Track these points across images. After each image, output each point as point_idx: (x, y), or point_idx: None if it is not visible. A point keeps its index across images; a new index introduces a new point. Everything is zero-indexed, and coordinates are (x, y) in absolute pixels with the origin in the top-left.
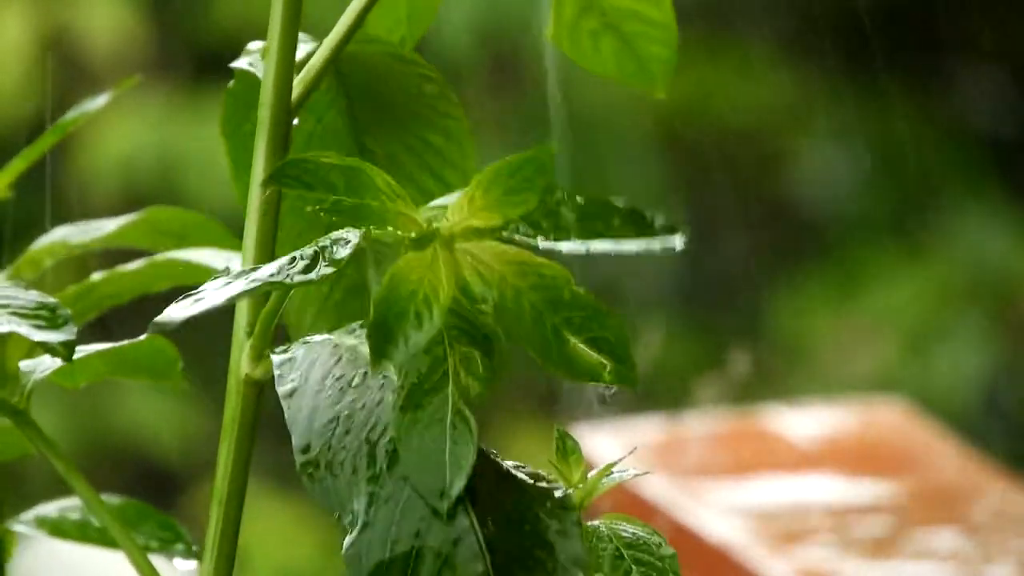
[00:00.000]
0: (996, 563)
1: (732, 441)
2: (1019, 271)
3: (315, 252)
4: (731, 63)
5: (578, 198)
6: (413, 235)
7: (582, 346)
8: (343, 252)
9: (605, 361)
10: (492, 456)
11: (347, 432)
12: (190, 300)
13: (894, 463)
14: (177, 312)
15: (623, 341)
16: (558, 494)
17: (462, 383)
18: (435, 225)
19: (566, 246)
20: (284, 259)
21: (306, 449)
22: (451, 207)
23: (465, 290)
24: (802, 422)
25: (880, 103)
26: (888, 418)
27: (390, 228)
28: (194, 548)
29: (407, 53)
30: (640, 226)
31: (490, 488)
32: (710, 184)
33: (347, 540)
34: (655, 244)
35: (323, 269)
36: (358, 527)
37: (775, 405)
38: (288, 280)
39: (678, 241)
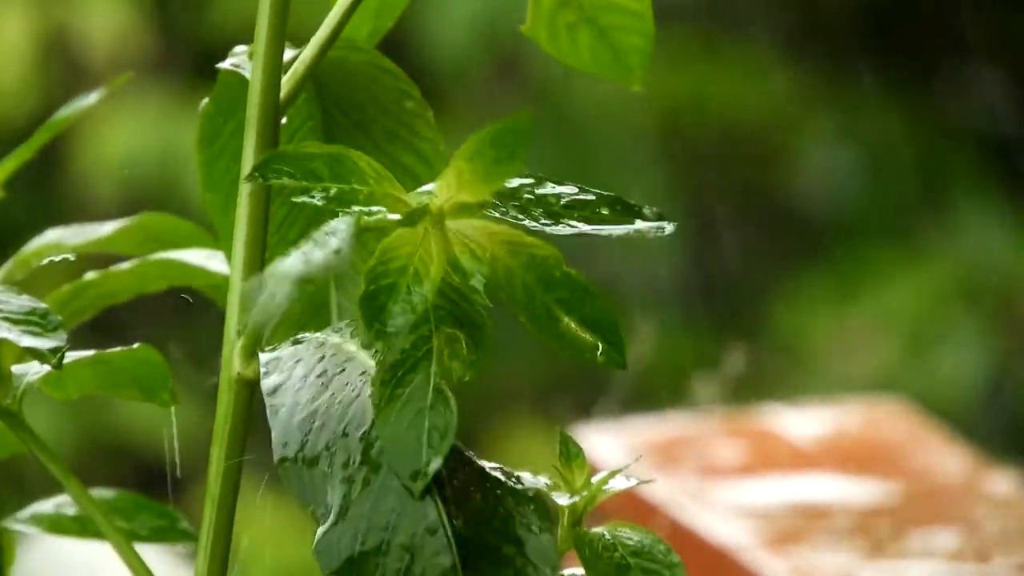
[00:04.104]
0: (996, 563)
1: (732, 441)
2: (1019, 271)
3: (312, 245)
4: (731, 62)
5: (564, 189)
6: (402, 213)
7: (574, 325)
8: (336, 243)
9: (597, 341)
10: (465, 452)
11: (324, 426)
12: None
13: (894, 463)
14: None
15: (613, 322)
16: (530, 492)
17: (445, 364)
18: (424, 202)
19: (557, 228)
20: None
21: (284, 443)
22: (439, 184)
23: (456, 266)
24: (802, 422)
25: (880, 103)
26: (888, 418)
27: (378, 208)
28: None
29: (390, 65)
30: (628, 213)
31: (461, 482)
32: (710, 184)
33: (318, 533)
34: (644, 227)
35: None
36: (330, 520)
37: (775, 405)
38: (312, 272)
39: (668, 227)
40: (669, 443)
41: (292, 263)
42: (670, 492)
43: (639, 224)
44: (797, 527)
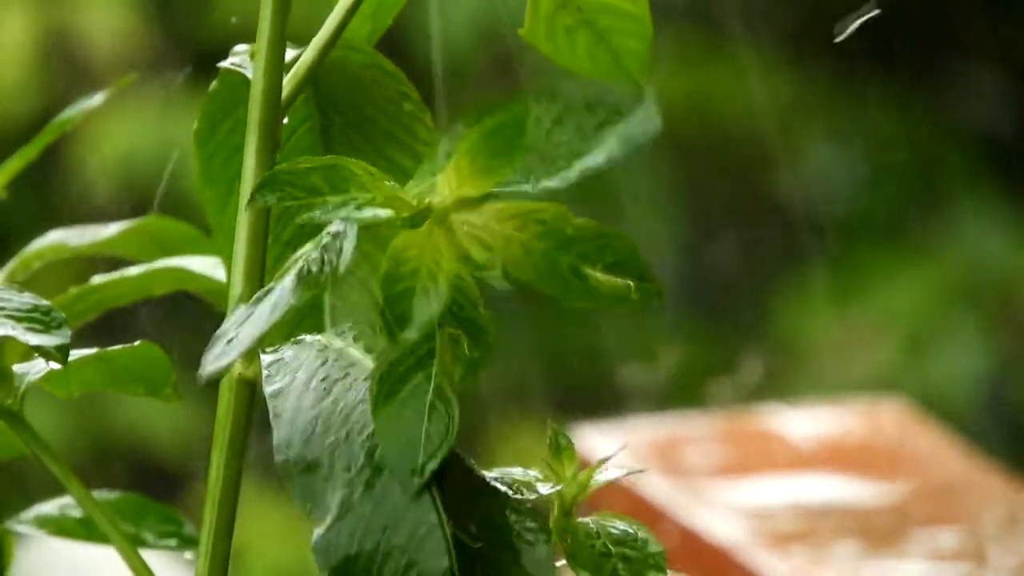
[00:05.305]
0: (997, 563)
1: (732, 441)
2: (1019, 271)
3: (320, 253)
4: (731, 63)
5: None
6: (406, 215)
7: (601, 276)
8: (348, 246)
9: (628, 282)
10: (466, 460)
11: (327, 429)
12: (223, 345)
13: (895, 463)
14: (216, 361)
15: (638, 260)
16: (528, 503)
17: (447, 363)
18: (427, 201)
19: (558, 179)
20: (292, 268)
21: (287, 447)
22: (439, 182)
23: (467, 260)
24: (802, 422)
25: (880, 103)
26: (889, 418)
27: (380, 210)
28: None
29: (390, 66)
30: (609, 112)
31: (461, 489)
32: (710, 184)
33: (316, 532)
34: (635, 129)
35: (337, 265)
36: (329, 521)
37: (775, 405)
38: (314, 285)
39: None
40: (669, 443)
41: (291, 279)
42: (670, 492)
43: (627, 122)
44: (797, 527)
